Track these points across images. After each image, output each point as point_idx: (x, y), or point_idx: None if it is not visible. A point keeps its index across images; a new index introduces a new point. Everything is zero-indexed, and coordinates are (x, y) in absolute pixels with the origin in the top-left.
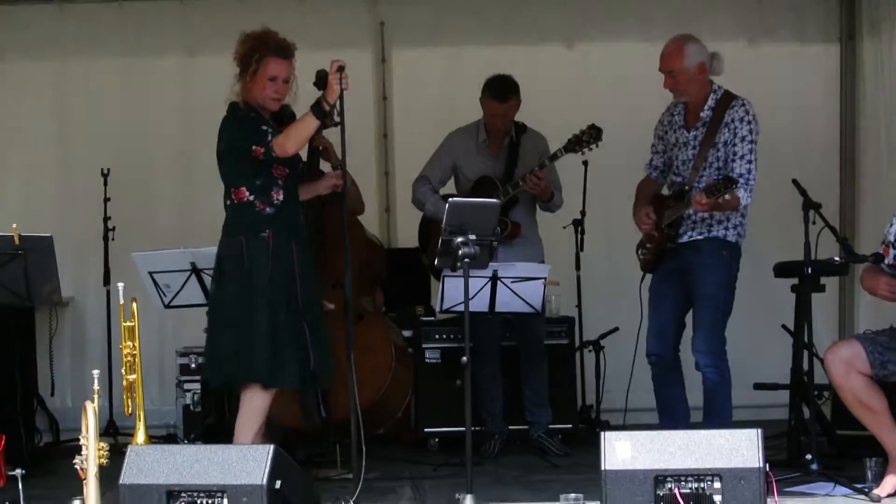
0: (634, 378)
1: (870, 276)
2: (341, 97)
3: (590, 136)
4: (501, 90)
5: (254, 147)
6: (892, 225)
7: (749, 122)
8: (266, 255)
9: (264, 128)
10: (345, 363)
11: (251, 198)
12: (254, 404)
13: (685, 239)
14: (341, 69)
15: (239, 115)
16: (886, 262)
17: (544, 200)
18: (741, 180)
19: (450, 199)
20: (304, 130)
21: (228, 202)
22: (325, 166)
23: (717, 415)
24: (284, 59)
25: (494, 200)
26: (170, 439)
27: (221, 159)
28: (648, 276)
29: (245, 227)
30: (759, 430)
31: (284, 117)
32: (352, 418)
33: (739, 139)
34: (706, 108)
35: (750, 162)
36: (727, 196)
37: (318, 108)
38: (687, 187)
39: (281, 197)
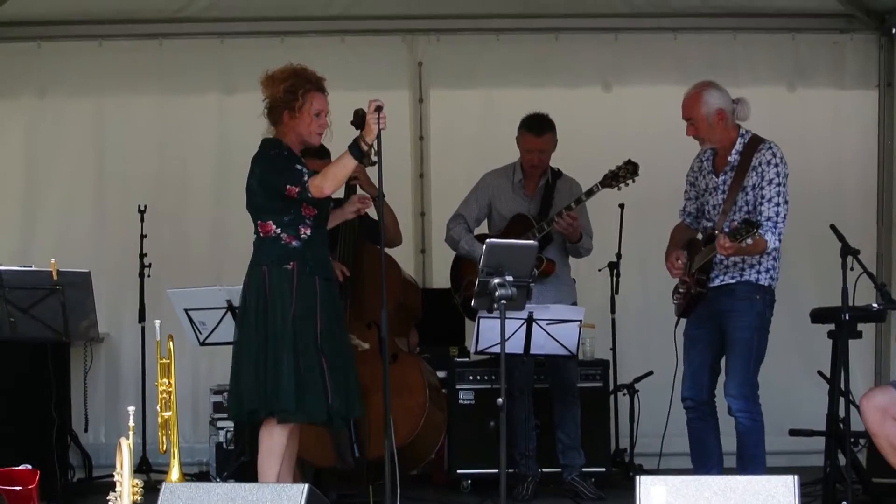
0: (670, 423)
1: None
2: (379, 136)
3: (626, 172)
4: (538, 124)
5: (288, 186)
6: None
7: (776, 165)
8: (289, 285)
9: (299, 167)
10: (378, 403)
11: (278, 231)
12: (273, 440)
13: (717, 283)
14: (379, 109)
15: (273, 152)
16: None
17: (573, 241)
18: (769, 223)
19: (487, 241)
20: (343, 171)
21: (255, 236)
22: None
23: (751, 460)
24: (324, 94)
25: (532, 242)
26: (202, 477)
27: (252, 192)
28: (683, 321)
29: (269, 259)
30: (796, 477)
31: (309, 152)
32: (386, 458)
33: (767, 182)
34: (734, 152)
35: (778, 205)
36: (749, 240)
37: (356, 148)
38: (716, 231)
39: (309, 233)
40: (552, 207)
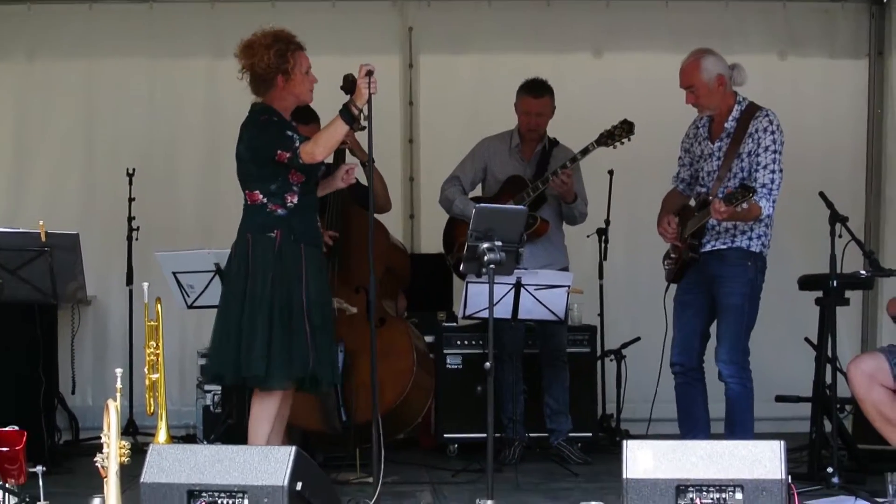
0: (658, 388)
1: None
2: (369, 101)
3: (622, 131)
4: (537, 87)
5: (279, 152)
6: None
7: (773, 133)
8: (271, 253)
9: (290, 133)
10: (366, 367)
11: (264, 199)
12: (263, 407)
13: (708, 248)
14: (370, 73)
15: (263, 117)
16: None
17: (567, 201)
18: (763, 190)
19: (476, 206)
20: (335, 136)
21: (244, 203)
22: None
23: (740, 426)
24: (305, 51)
25: (521, 207)
26: (189, 440)
27: (241, 159)
28: (672, 287)
29: (254, 227)
30: (782, 442)
31: (296, 117)
32: (374, 421)
33: (763, 149)
34: (730, 119)
35: (773, 172)
36: (745, 205)
37: (347, 113)
38: (710, 197)
39: (295, 200)
40: (549, 171)
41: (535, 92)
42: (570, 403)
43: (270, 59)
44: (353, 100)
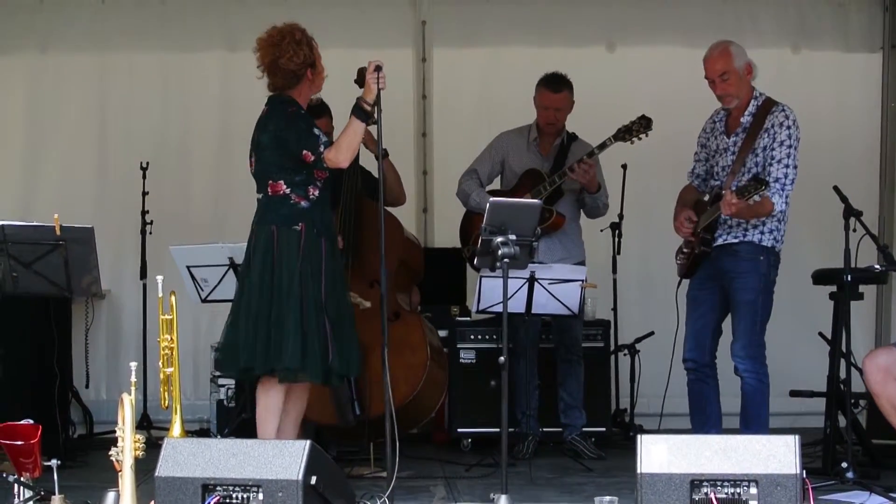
0: (670, 383)
1: None
2: (379, 96)
3: (640, 126)
4: (556, 81)
5: (305, 151)
6: None
7: (788, 128)
8: (297, 247)
9: (317, 132)
10: (379, 361)
11: (287, 191)
12: (270, 397)
13: (720, 242)
14: (379, 68)
15: (291, 109)
16: None
17: (591, 191)
18: (776, 185)
19: (490, 199)
20: (356, 138)
21: (262, 194)
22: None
23: (755, 420)
24: None
25: (536, 201)
26: (203, 434)
27: (264, 149)
28: (685, 282)
29: (279, 219)
30: (797, 437)
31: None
32: (386, 415)
33: (778, 143)
34: (747, 113)
35: (787, 167)
36: (757, 197)
37: (360, 111)
38: (723, 191)
39: (317, 193)
40: (566, 166)
41: (554, 86)
42: (583, 398)
43: (305, 52)
44: (363, 96)
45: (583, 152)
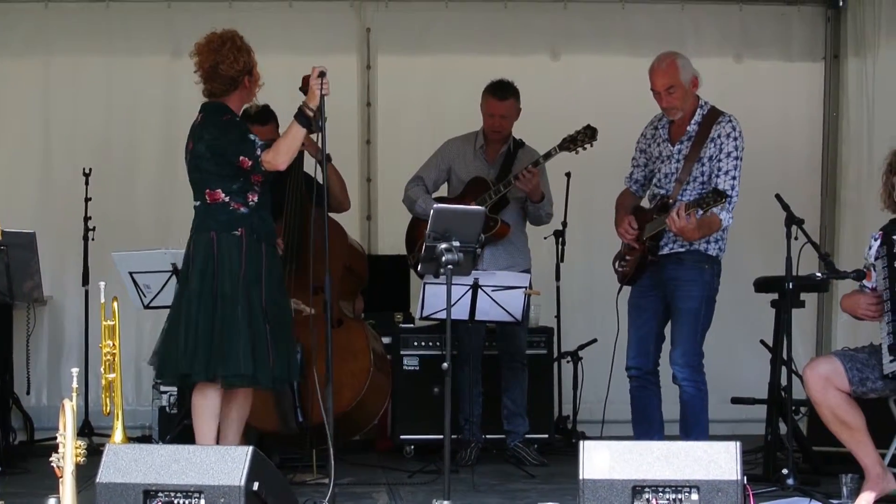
0: (611, 390)
1: (849, 298)
2: (322, 102)
3: (585, 136)
4: (502, 89)
5: (241, 157)
6: (870, 248)
7: (735, 139)
8: (238, 252)
9: (252, 137)
10: (322, 368)
11: (226, 198)
12: (207, 402)
13: (666, 251)
14: (322, 74)
15: (225, 117)
16: (869, 285)
17: (534, 201)
18: None
19: (434, 206)
20: (295, 142)
21: (199, 202)
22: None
23: (694, 428)
24: None
25: (479, 208)
26: (145, 440)
27: (200, 158)
28: (626, 289)
29: (218, 225)
30: (738, 443)
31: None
32: (327, 422)
33: (725, 155)
34: (692, 122)
35: (734, 178)
36: (714, 209)
37: (302, 117)
38: (671, 200)
39: (256, 199)
40: (511, 174)
41: (500, 94)
42: (526, 405)
43: (245, 59)
44: (306, 102)
45: (529, 159)
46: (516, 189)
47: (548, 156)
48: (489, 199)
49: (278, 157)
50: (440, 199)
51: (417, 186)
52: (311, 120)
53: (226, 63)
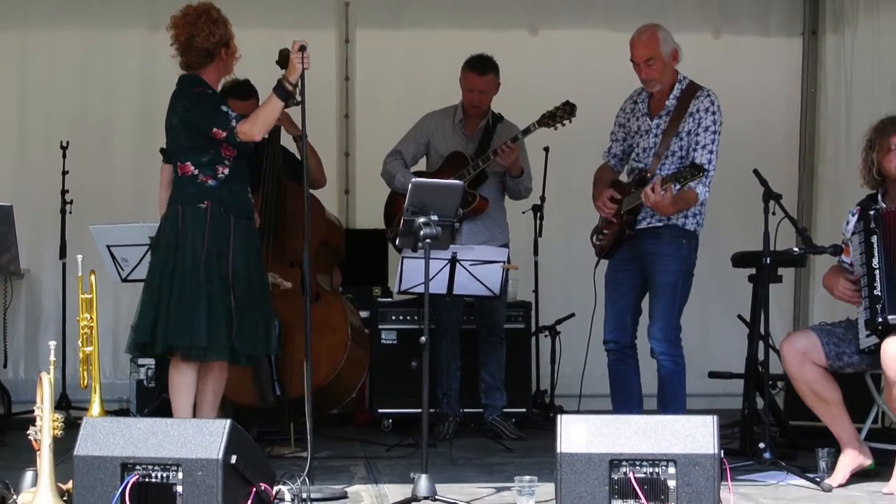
0: (588, 364)
1: (832, 275)
2: (302, 76)
3: (564, 112)
4: (481, 64)
5: (214, 129)
6: (847, 223)
7: (714, 113)
8: (203, 225)
9: (226, 109)
10: (300, 342)
11: (195, 171)
12: (182, 376)
13: (643, 225)
14: (303, 48)
15: (197, 90)
16: (847, 260)
17: (514, 175)
18: None
19: (413, 180)
20: (272, 114)
21: (174, 175)
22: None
23: (671, 402)
24: None
25: (457, 182)
26: (122, 414)
27: (172, 131)
28: (603, 263)
29: (185, 197)
30: (715, 417)
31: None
32: (307, 395)
33: (703, 129)
34: (671, 96)
35: (711, 152)
36: (691, 184)
37: (281, 90)
38: (649, 174)
39: (226, 172)
40: (490, 149)
41: (479, 69)
42: (504, 379)
43: (221, 32)
44: (285, 75)
45: (508, 133)
46: (495, 164)
47: (526, 132)
48: (468, 175)
49: (254, 128)
50: (419, 174)
51: (396, 160)
52: (290, 94)
53: (201, 36)
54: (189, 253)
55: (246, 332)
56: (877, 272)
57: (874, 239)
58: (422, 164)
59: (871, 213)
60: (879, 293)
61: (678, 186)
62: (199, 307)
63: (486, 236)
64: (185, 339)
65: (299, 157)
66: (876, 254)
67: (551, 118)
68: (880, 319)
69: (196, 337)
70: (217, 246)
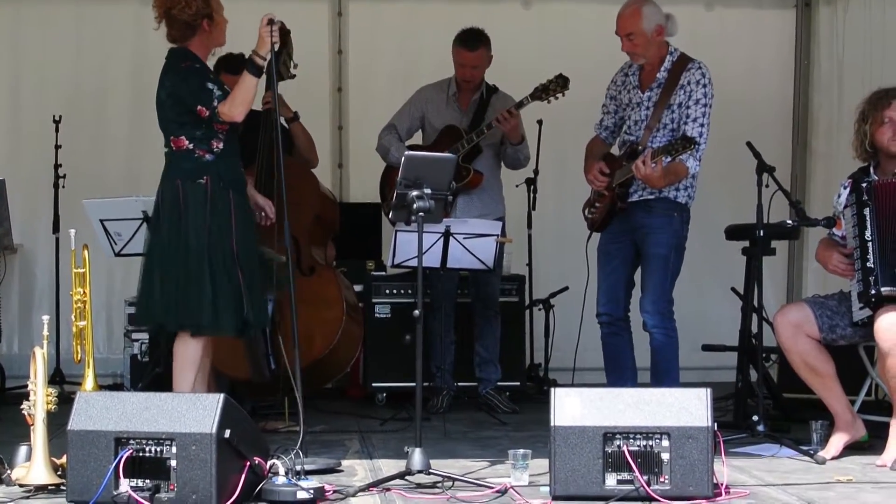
0: (582, 337)
1: (824, 249)
2: (272, 50)
3: (557, 85)
4: (471, 38)
5: (199, 107)
6: (839, 195)
7: (705, 86)
8: (203, 200)
9: (210, 86)
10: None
11: (190, 146)
12: (188, 352)
13: (635, 198)
14: (271, 22)
15: (185, 64)
16: (839, 233)
17: (514, 142)
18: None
19: (406, 153)
20: (248, 93)
21: (167, 149)
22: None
23: (665, 375)
24: None
25: (450, 155)
26: (116, 389)
27: (162, 107)
28: (595, 236)
29: (183, 173)
30: (709, 390)
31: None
32: (296, 369)
33: (694, 101)
34: (662, 69)
35: (703, 125)
36: (682, 157)
37: (252, 66)
38: (640, 147)
39: (221, 146)
40: (485, 122)
41: (470, 44)
42: (498, 353)
43: (199, 4)
44: (255, 50)
45: (503, 104)
46: (490, 136)
47: (520, 105)
48: (462, 149)
49: (234, 109)
50: (413, 147)
51: (391, 134)
52: (260, 68)
53: (177, 8)
54: (192, 231)
55: (256, 304)
56: (869, 244)
57: (867, 211)
58: (417, 138)
59: (864, 185)
60: (872, 265)
61: (669, 159)
62: (207, 284)
63: (482, 210)
64: (195, 317)
65: (292, 136)
66: (868, 226)
67: (544, 91)
68: (873, 291)
69: (206, 314)
70: (220, 222)
